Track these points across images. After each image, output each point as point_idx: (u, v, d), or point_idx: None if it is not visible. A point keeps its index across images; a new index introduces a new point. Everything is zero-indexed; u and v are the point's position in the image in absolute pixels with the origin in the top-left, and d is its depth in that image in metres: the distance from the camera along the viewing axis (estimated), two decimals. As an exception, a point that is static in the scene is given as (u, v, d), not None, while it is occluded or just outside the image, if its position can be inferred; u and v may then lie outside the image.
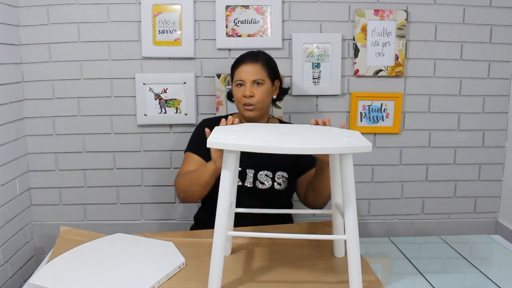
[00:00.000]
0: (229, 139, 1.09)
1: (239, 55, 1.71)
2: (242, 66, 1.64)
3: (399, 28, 2.05)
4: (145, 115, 2.07)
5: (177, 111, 2.07)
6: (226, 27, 2.02)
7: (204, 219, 1.73)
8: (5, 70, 1.90)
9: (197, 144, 1.68)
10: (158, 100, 2.06)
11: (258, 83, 1.62)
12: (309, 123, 1.40)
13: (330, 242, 1.37)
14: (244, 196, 1.53)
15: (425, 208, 2.23)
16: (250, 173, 1.64)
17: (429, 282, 1.24)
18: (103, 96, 2.06)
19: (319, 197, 1.60)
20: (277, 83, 1.71)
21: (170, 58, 2.05)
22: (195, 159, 1.67)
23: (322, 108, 2.11)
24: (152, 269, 1.20)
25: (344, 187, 1.09)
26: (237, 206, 1.34)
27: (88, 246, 1.34)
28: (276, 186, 1.65)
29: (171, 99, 2.06)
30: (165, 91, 2.05)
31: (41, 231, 2.15)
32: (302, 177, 1.69)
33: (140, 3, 2.00)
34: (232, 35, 2.03)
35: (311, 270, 1.26)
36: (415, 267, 1.33)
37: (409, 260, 1.38)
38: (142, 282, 1.14)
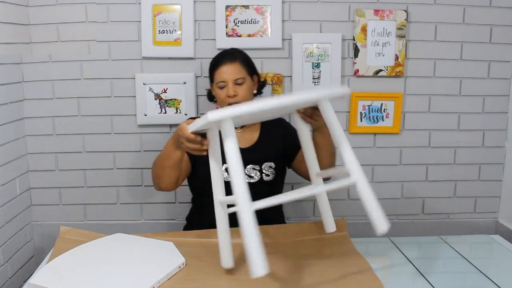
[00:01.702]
0: (225, 110, 1.07)
1: (214, 56, 1.69)
2: (222, 67, 1.62)
3: (399, 28, 2.05)
4: (145, 115, 2.07)
5: (177, 111, 2.07)
6: (226, 27, 2.02)
7: (198, 219, 1.73)
8: (5, 70, 1.90)
9: None
10: (158, 100, 2.06)
11: (239, 82, 1.62)
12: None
13: (330, 242, 1.38)
14: None
15: (425, 208, 2.23)
16: None
17: (429, 282, 1.24)
18: (103, 96, 2.06)
19: (330, 160, 1.55)
20: (255, 78, 1.71)
21: (170, 58, 2.05)
22: None
23: (322, 108, 2.11)
24: (152, 269, 1.20)
25: (332, 130, 1.18)
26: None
27: (88, 246, 1.35)
28: (265, 178, 1.66)
29: (171, 99, 2.06)
30: (165, 91, 2.05)
31: (41, 231, 2.15)
32: (296, 158, 1.69)
33: (140, 3, 2.00)
34: (232, 35, 2.03)
35: (311, 270, 1.26)
36: (415, 267, 1.33)
37: (409, 260, 1.38)
38: (142, 282, 1.14)
